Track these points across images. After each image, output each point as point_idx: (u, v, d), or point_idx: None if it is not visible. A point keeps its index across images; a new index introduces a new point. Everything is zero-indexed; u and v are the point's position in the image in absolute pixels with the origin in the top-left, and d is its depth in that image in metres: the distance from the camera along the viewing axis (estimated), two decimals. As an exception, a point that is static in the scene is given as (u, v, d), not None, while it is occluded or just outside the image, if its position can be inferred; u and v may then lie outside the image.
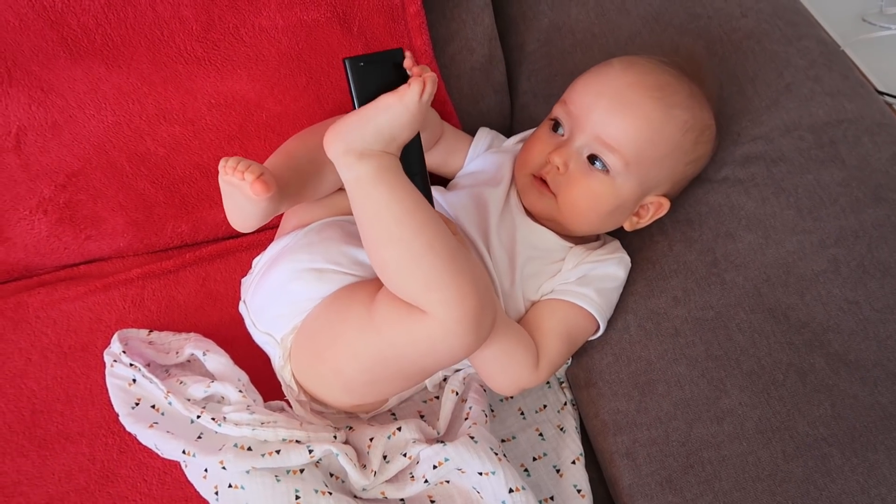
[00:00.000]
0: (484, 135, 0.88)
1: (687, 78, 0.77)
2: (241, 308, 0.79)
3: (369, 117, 0.61)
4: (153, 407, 0.74)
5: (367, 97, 0.62)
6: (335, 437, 0.70)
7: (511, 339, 0.72)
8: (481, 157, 0.86)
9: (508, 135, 0.89)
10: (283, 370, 0.74)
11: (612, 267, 0.79)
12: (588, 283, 0.77)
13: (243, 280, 0.82)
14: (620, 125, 0.73)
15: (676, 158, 0.76)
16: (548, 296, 0.78)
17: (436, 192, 0.81)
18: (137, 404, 0.74)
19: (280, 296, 0.74)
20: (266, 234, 0.90)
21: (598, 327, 0.78)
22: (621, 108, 0.73)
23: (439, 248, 0.62)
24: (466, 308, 0.62)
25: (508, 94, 0.99)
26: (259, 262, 0.80)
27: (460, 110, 0.94)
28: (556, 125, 0.77)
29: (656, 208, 0.79)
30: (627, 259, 0.80)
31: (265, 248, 0.81)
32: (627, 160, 0.73)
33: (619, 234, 0.83)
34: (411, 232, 0.62)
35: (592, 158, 0.74)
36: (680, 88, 0.75)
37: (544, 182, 0.76)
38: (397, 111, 0.61)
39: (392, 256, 0.64)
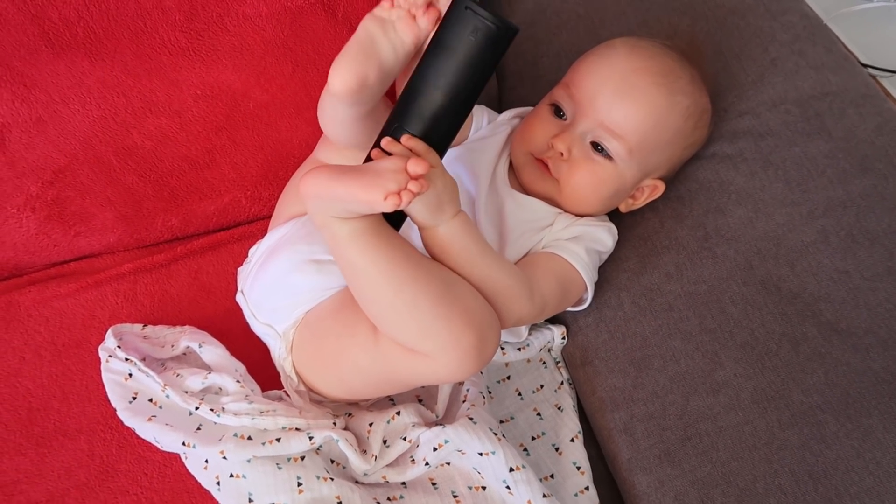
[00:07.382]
0: (480, 111, 0.86)
1: (688, 62, 0.76)
2: (239, 298, 0.79)
3: (342, 199, 0.59)
4: (150, 400, 0.73)
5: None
6: (335, 423, 0.70)
7: (504, 279, 0.68)
8: (477, 134, 0.85)
9: (497, 117, 0.88)
10: (285, 362, 0.74)
11: (603, 233, 0.79)
12: (579, 242, 0.76)
13: (240, 269, 0.81)
14: (626, 112, 0.72)
15: (676, 143, 0.76)
16: (539, 250, 0.77)
17: None
18: (135, 398, 0.73)
19: (280, 288, 0.73)
20: (258, 224, 0.90)
21: (586, 288, 0.77)
22: (627, 94, 0.72)
23: (423, 302, 0.61)
24: (464, 347, 0.62)
25: (496, 77, 0.99)
26: (256, 251, 0.79)
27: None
28: (557, 108, 0.76)
29: (651, 191, 0.79)
30: (615, 229, 0.80)
31: (258, 239, 0.81)
32: (631, 147, 0.73)
33: (611, 213, 0.83)
34: (392, 292, 0.62)
35: (596, 144, 0.74)
36: (682, 74, 0.74)
37: (545, 165, 0.76)
38: (367, 209, 0.59)
39: (378, 315, 0.64)
